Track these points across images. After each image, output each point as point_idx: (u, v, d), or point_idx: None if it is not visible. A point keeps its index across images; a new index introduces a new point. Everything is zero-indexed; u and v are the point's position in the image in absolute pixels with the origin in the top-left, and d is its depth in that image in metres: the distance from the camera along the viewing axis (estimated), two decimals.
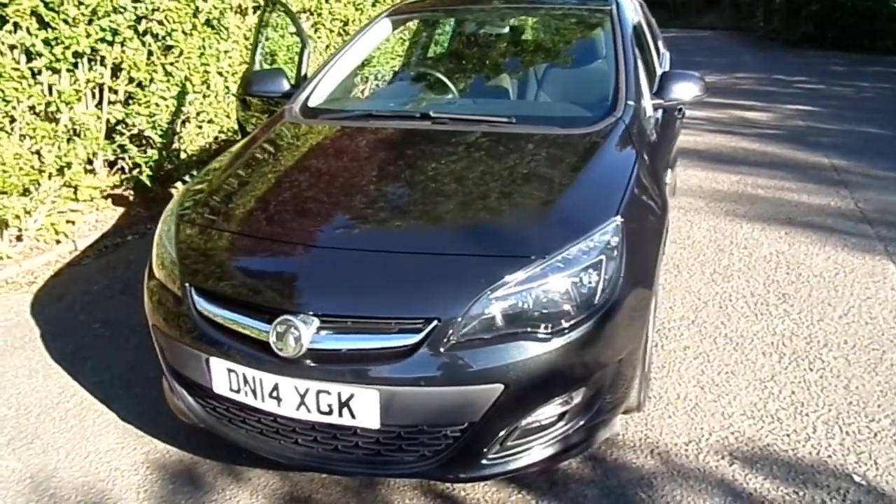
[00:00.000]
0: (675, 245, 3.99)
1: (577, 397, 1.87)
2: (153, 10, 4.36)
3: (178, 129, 4.89)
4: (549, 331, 1.78)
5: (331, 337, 1.77)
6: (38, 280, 3.76)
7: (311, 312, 1.78)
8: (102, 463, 2.29)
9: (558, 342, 1.78)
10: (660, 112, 2.93)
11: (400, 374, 1.73)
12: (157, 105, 4.55)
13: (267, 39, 4.06)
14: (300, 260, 1.89)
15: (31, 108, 3.89)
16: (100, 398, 2.63)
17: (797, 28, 15.43)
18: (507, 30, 3.22)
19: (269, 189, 2.21)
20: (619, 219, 1.96)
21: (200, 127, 5.02)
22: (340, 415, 1.79)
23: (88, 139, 4.18)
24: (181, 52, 4.64)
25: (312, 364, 1.77)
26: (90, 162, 4.54)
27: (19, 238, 4.06)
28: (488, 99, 2.88)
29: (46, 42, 3.84)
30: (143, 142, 4.76)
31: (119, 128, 4.52)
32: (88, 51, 4.08)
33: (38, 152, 3.93)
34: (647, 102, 2.77)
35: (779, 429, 2.38)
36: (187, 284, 1.99)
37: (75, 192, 4.39)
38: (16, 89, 3.70)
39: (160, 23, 4.45)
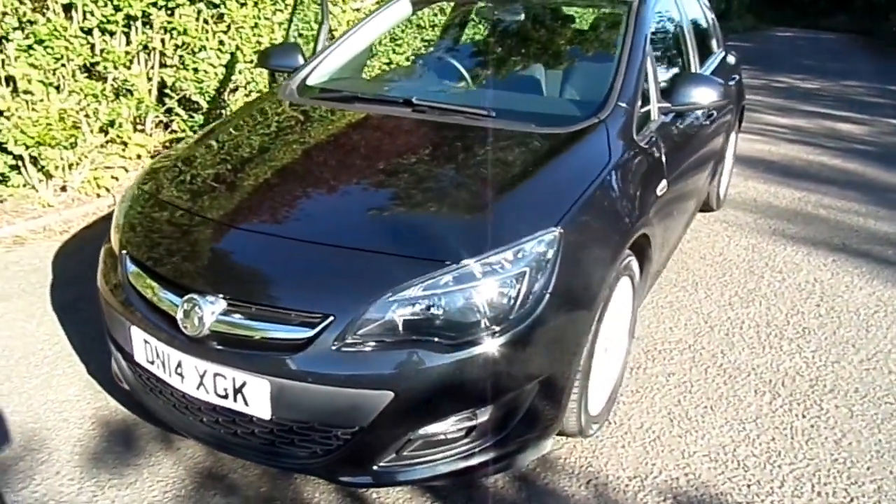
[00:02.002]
0: (703, 261, 3.71)
1: (484, 415, 1.75)
2: None
3: (226, 97, 5.02)
4: (452, 342, 1.67)
5: (234, 321, 1.74)
6: (71, 230, 3.97)
7: (217, 294, 1.75)
8: (55, 412, 2.38)
9: (459, 355, 1.66)
10: (673, 117, 2.70)
11: (289, 367, 1.67)
12: (205, 72, 4.68)
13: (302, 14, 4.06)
14: (220, 240, 1.86)
15: (81, 66, 4.09)
16: (77, 349, 2.74)
17: None
18: (520, 21, 3.05)
19: (216, 165, 2.20)
20: (557, 230, 1.81)
21: (249, 96, 5.13)
22: (235, 400, 1.76)
23: (133, 99, 4.36)
24: (232, 22, 4.74)
25: (213, 346, 1.75)
26: (142, 122, 4.75)
27: (63, 189, 4.30)
28: (480, 90, 2.75)
29: (99, 3, 4.01)
30: (193, 106, 4.92)
31: (169, 91, 4.69)
32: (140, 14, 4.24)
33: (83, 109, 4.12)
34: (654, 106, 2.55)
35: (741, 477, 2.16)
36: (124, 252, 2.02)
37: (124, 149, 4.61)
38: (66, 48, 3.90)
39: None
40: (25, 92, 3.83)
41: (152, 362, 1.90)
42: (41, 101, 3.87)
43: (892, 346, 2.94)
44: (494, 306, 1.70)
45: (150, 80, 4.57)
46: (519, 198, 1.92)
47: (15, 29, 3.72)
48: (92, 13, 4.01)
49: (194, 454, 2.19)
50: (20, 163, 4.02)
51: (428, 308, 1.68)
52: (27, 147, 3.85)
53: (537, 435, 1.92)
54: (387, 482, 1.79)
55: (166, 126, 5.04)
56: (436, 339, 1.67)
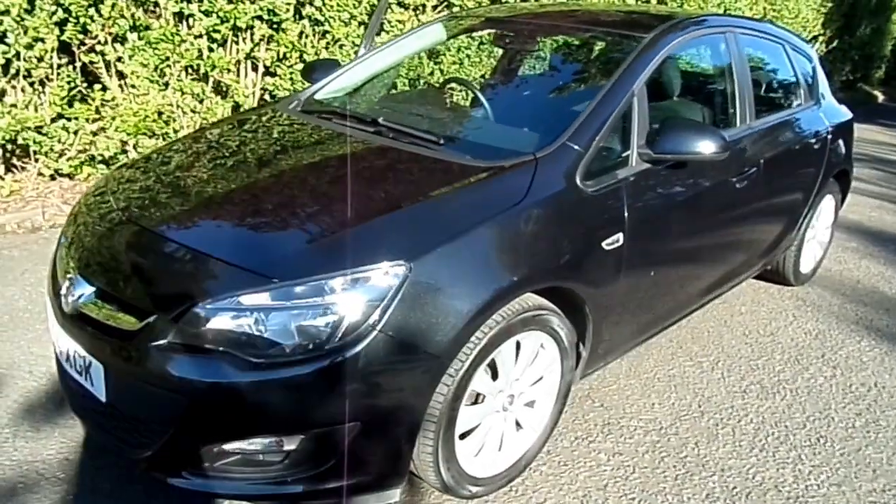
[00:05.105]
0: (743, 338, 3.24)
1: (292, 444, 1.68)
2: None
3: None
4: (258, 361, 1.62)
5: (97, 304, 1.83)
6: None
7: (91, 277, 1.86)
8: (26, 364, 2.65)
9: (262, 376, 1.61)
10: (669, 168, 2.41)
11: (114, 356, 1.74)
12: (301, 82, 5.00)
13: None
14: (113, 230, 1.96)
15: (186, 68, 4.56)
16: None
17: None
18: (533, 49, 2.87)
19: (160, 163, 2.31)
20: (406, 264, 1.69)
21: None
22: (85, 379, 1.86)
23: (230, 100, 4.78)
24: (334, 39, 5.02)
25: (78, 324, 1.86)
26: None
27: None
28: (457, 115, 2.62)
29: (206, 13, 4.46)
30: None
31: (267, 97, 5.08)
32: (245, 26, 4.64)
33: (181, 106, 4.59)
34: (634, 152, 2.30)
35: None
36: (63, 235, 2.22)
37: None
38: (170, 50, 4.38)
39: (319, 9, 4.87)
40: (132, 86, 4.36)
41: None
42: (144, 94, 4.38)
43: None
44: (309, 332, 1.63)
45: (254, 85, 4.99)
46: (387, 226, 1.81)
47: (131, 30, 4.26)
48: (200, 20, 4.47)
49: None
50: (125, 148, 4.58)
51: (244, 322, 1.65)
52: (128, 134, 4.37)
53: (374, 480, 1.80)
54: (198, 488, 1.76)
55: None
56: (243, 356, 1.63)
